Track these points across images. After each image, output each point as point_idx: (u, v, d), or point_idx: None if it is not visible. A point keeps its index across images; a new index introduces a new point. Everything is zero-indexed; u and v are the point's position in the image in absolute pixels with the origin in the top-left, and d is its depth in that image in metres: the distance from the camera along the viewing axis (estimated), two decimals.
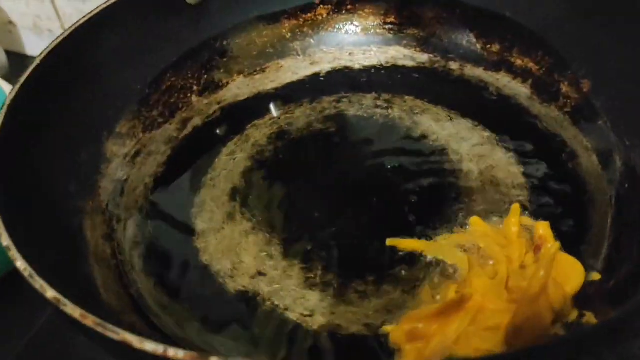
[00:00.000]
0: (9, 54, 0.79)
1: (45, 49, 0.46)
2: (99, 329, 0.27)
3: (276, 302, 0.42)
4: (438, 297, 0.39)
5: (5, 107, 0.42)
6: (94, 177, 0.48)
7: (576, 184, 0.47)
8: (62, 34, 0.48)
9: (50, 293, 0.30)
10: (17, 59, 0.81)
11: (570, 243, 0.42)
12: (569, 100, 0.52)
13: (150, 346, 0.27)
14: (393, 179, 0.50)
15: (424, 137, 0.54)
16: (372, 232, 0.46)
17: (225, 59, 0.60)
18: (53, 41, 0.47)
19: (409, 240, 0.43)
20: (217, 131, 0.56)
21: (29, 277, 0.31)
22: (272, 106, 0.58)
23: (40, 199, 0.41)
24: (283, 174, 0.52)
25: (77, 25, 0.49)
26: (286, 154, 0.54)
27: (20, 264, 0.31)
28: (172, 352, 0.26)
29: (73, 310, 0.28)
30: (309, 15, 0.63)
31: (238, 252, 0.46)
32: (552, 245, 0.39)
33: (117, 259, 0.44)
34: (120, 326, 0.38)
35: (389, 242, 0.43)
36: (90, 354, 0.47)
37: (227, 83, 0.60)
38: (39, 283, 0.30)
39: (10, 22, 0.81)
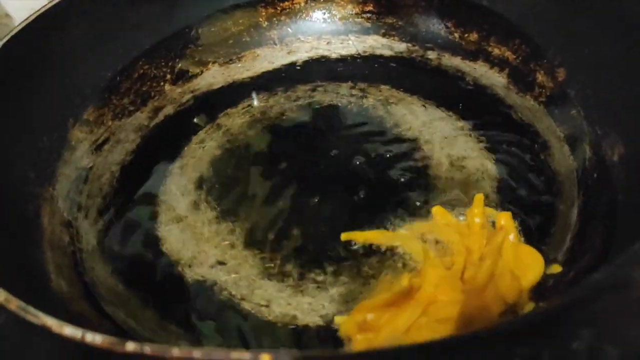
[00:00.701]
0: None
1: (9, 32, 0.46)
2: (21, 313, 0.27)
3: (233, 292, 0.41)
4: (392, 287, 0.38)
5: None
6: (56, 164, 0.47)
7: (546, 174, 0.46)
8: (28, 18, 0.48)
9: None
10: None
11: (535, 234, 0.41)
12: (544, 90, 0.51)
13: (68, 331, 0.26)
14: (361, 169, 0.49)
15: (396, 126, 0.53)
16: (336, 222, 0.45)
17: (199, 48, 0.60)
18: (18, 24, 0.47)
19: (365, 233, 0.42)
20: (195, 120, 0.56)
21: None
22: (246, 95, 0.58)
23: None
24: (253, 163, 0.51)
25: (43, 9, 0.49)
26: (256, 143, 0.53)
27: None
28: (89, 337, 0.25)
29: None
30: (286, 3, 0.62)
31: (199, 241, 0.45)
32: (500, 234, 0.38)
33: (74, 246, 0.44)
34: (68, 314, 0.38)
35: (344, 236, 0.42)
36: None
37: (202, 72, 0.59)
38: None
39: (7, 15, 0.81)
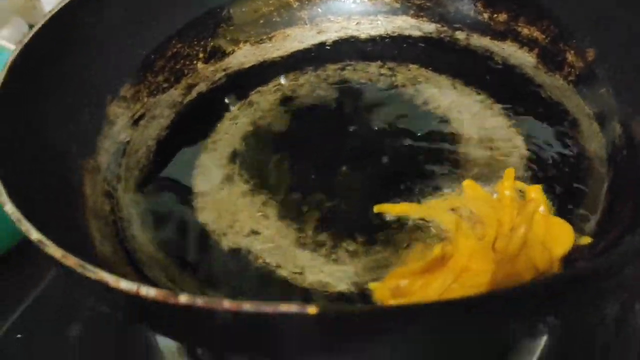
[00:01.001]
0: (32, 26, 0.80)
1: (49, 13, 0.48)
2: (79, 270, 0.28)
3: (268, 260, 0.43)
4: (424, 255, 0.39)
5: (7, 67, 0.43)
6: (96, 138, 0.49)
7: (576, 151, 0.47)
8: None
9: (35, 235, 0.31)
10: None
11: (564, 207, 0.42)
12: (573, 69, 0.51)
13: (125, 285, 0.27)
14: (392, 145, 0.50)
15: (425, 104, 0.53)
16: (367, 195, 0.46)
17: (231, 27, 0.61)
18: (57, 4, 0.48)
19: (397, 205, 0.43)
20: (226, 100, 0.57)
21: (16, 221, 0.32)
22: (277, 74, 0.59)
23: (41, 157, 0.43)
24: (284, 139, 0.52)
25: None
26: (288, 120, 0.54)
27: (9, 207, 0.32)
28: (144, 290, 0.27)
29: (55, 250, 0.30)
30: None
31: (234, 212, 0.46)
32: (531, 205, 0.38)
33: (115, 216, 0.45)
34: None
35: (377, 208, 0.43)
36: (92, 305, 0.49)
37: (233, 51, 0.60)
38: (25, 226, 0.31)
39: None
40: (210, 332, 0.28)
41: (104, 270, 0.28)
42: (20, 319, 0.52)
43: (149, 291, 0.27)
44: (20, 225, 0.31)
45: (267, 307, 0.26)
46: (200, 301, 0.26)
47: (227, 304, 0.26)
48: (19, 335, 0.51)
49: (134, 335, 0.49)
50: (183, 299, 0.27)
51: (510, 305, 0.25)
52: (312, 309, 0.25)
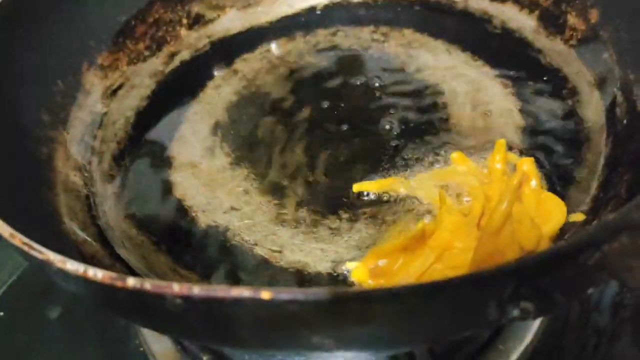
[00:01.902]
0: None
1: None
2: (25, 248, 0.27)
3: (246, 237, 0.41)
4: (406, 232, 0.37)
5: None
6: (70, 108, 0.47)
7: (574, 121, 0.44)
8: None
9: None
10: None
11: (559, 182, 0.39)
12: (575, 32, 0.48)
13: (71, 266, 0.26)
14: (381, 114, 0.47)
15: (418, 71, 0.51)
16: (353, 169, 0.44)
17: None
18: None
19: (377, 182, 0.41)
20: (210, 63, 0.54)
21: None
22: (264, 40, 0.56)
23: (7, 126, 0.41)
24: (269, 110, 0.50)
25: None
26: (274, 89, 0.52)
27: None
28: (91, 272, 0.25)
29: (2, 228, 0.28)
30: None
31: (214, 187, 0.44)
32: (516, 177, 0.36)
33: (88, 190, 0.43)
34: (80, 256, 0.38)
35: (356, 188, 0.41)
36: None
37: (218, 16, 0.58)
38: None
39: None
40: (163, 317, 0.27)
41: (50, 251, 0.26)
42: (1, 298, 0.51)
43: (96, 273, 0.25)
44: None
45: (219, 292, 0.24)
46: (148, 285, 0.25)
47: (176, 288, 0.24)
48: (1, 314, 0.51)
49: (114, 319, 0.47)
50: (131, 282, 0.25)
51: (479, 290, 0.23)
52: (265, 294, 0.23)
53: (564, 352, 0.41)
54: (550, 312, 0.30)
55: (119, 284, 0.25)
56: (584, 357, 0.41)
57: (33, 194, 0.39)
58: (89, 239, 0.39)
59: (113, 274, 0.25)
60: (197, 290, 0.24)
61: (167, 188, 0.44)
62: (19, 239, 0.27)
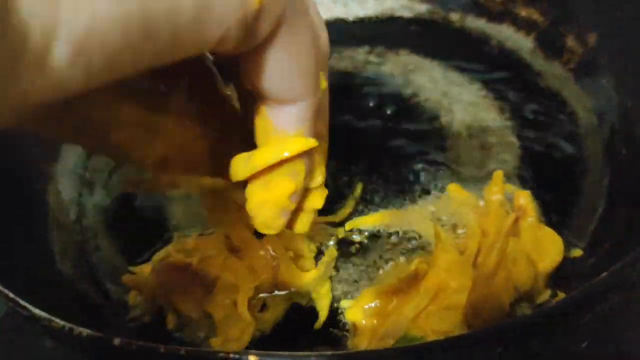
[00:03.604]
0: None
1: None
2: (10, 304, 0.26)
3: None
4: (401, 271, 0.36)
5: None
6: None
7: (573, 149, 0.43)
8: None
9: None
10: None
11: (557, 215, 0.39)
12: (573, 56, 0.48)
13: (58, 324, 0.25)
14: (376, 142, 0.47)
15: (415, 95, 0.50)
16: (346, 198, 0.43)
17: None
18: None
19: (371, 217, 0.40)
20: None
21: None
22: None
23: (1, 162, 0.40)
24: None
25: None
26: None
27: None
28: (76, 331, 0.25)
29: None
30: None
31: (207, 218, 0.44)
32: (511, 216, 0.35)
33: (80, 225, 0.43)
34: (74, 295, 0.37)
35: (348, 225, 0.40)
36: None
37: None
38: None
39: None
40: None
41: (35, 308, 0.26)
42: None
43: (81, 332, 0.25)
44: None
45: (207, 354, 0.24)
46: (134, 345, 0.24)
47: (162, 349, 0.24)
48: None
49: None
50: (117, 341, 0.24)
51: (469, 351, 0.23)
52: (252, 358, 0.23)
53: None
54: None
55: (104, 343, 0.24)
56: None
57: (26, 232, 0.39)
58: (81, 276, 0.39)
59: (97, 334, 0.25)
60: (183, 351, 0.24)
61: (161, 220, 0.44)
62: (5, 294, 0.27)
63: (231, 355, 0.23)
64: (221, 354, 0.23)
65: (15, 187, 0.41)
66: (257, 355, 0.23)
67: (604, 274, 0.22)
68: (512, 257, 0.34)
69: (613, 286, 0.22)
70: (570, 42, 0.48)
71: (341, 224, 0.41)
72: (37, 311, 0.26)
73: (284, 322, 0.36)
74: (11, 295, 0.27)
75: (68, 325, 0.25)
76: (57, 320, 0.25)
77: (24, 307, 0.26)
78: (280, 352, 0.25)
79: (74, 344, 0.27)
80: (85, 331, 0.25)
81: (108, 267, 0.41)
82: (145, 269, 0.37)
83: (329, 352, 0.29)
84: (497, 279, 0.32)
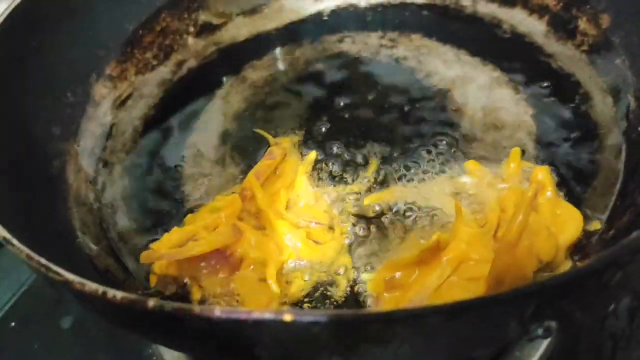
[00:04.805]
0: None
1: None
2: (42, 270, 0.26)
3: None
4: (421, 243, 0.36)
5: None
6: (80, 120, 0.46)
7: (587, 127, 0.43)
8: None
9: (2, 232, 0.29)
10: None
11: (576, 189, 0.39)
12: (586, 38, 0.48)
13: (90, 288, 0.25)
14: (392, 123, 0.47)
15: (428, 77, 0.50)
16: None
17: None
18: None
19: (387, 191, 0.40)
20: (214, 73, 0.54)
21: None
22: (271, 47, 0.56)
23: (20, 140, 0.41)
24: (277, 117, 0.49)
25: None
26: (282, 96, 0.51)
27: None
28: (110, 294, 0.25)
29: (20, 250, 0.28)
30: None
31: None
32: (531, 188, 0.36)
33: (99, 203, 0.43)
34: (94, 270, 0.38)
35: (367, 200, 0.40)
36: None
37: (226, 23, 0.57)
38: None
39: None
40: (183, 338, 0.27)
41: (68, 272, 0.26)
42: (13, 307, 0.51)
43: (115, 295, 0.25)
44: None
45: (240, 314, 0.24)
46: (168, 307, 0.24)
47: (197, 309, 0.24)
48: (12, 324, 0.50)
49: None
50: (151, 303, 0.25)
51: (503, 310, 0.23)
52: (287, 316, 0.23)
53: (581, 356, 0.41)
54: (571, 330, 0.30)
55: (139, 305, 0.25)
56: None
57: (47, 209, 0.39)
58: (102, 252, 0.39)
59: (132, 296, 0.25)
60: (218, 312, 0.24)
61: (178, 199, 0.44)
62: (36, 261, 0.27)
63: (266, 315, 0.23)
64: (256, 314, 0.23)
65: (35, 166, 0.41)
66: (292, 313, 0.23)
67: (635, 233, 0.22)
68: (533, 229, 0.34)
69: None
70: (583, 24, 0.48)
71: (359, 199, 0.41)
72: (70, 275, 0.26)
73: (306, 297, 0.37)
74: (43, 261, 0.27)
75: (102, 288, 0.25)
76: (91, 283, 0.26)
77: (57, 273, 0.26)
78: (314, 310, 0.25)
79: (107, 308, 0.27)
80: (119, 294, 0.25)
81: (128, 243, 0.41)
82: (165, 242, 0.38)
83: (367, 310, 0.29)
84: (520, 249, 0.32)
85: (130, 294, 0.25)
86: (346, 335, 0.24)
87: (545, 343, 0.42)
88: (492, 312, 0.23)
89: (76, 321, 0.50)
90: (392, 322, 0.23)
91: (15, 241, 0.28)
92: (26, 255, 0.27)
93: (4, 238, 0.28)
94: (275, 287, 0.35)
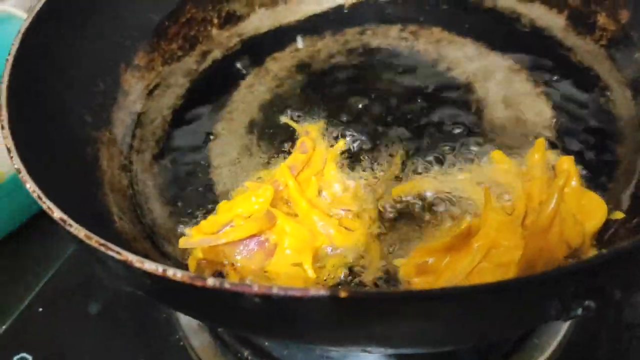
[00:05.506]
0: None
1: None
2: (102, 249, 0.28)
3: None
4: (451, 230, 0.38)
5: (19, 36, 0.41)
6: (111, 108, 0.47)
7: (607, 119, 0.45)
8: None
9: (57, 213, 0.30)
10: None
11: (598, 180, 0.41)
12: (605, 32, 0.49)
13: (149, 266, 0.27)
14: (416, 114, 0.48)
15: (449, 69, 0.52)
16: (392, 166, 0.44)
17: None
18: None
19: (416, 182, 0.42)
20: (238, 65, 0.55)
21: (37, 198, 0.31)
22: (293, 39, 0.57)
23: (55, 128, 0.42)
24: (302, 107, 0.50)
25: None
26: (306, 87, 0.52)
27: (29, 185, 0.31)
28: (170, 272, 0.26)
29: (77, 230, 0.29)
30: None
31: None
32: (561, 177, 0.37)
33: (132, 189, 0.44)
34: (135, 253, 0.39)
35: (395, 192, 0.42)
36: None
37: (248, 15, 0.58)
38: (47, 204, 0.30)
39: None
40: (236, 315, 0.28)
41: (127, 251, 0.27)
42: (42, 292, 0.52)
43: (175, 273, 0.26)
44: (42, 203, 0.31)
45: (296, 292, 0.25)
46: (228, 285, 0.26)
47: (256, 287, 0.25)
48: (40, 309, 0.52)
49: (154, 313, 0.48)
50: (211, 282, 0.26)
51: (541, 289, 0.24)
52: (343, 293, 0.24)
53: (598, 345, 0.43)
54: (609, 307, 0.31)
55: (198, 283, 0.26)
56: (618, 350, 0.42)
57: (86, 195, 0.40)
58: (139, 236, 0.40)
59: (192, 274, 0.26)
60: (276, 289, 0.25)
61: (207, 185, 0.45)
62: (95, 241, 0.28)
63: (322, 292, 0.25)
64: (312, 291, 0.25)
65: (71, 153, 0.42)
66: (347, 291, 0.24)
67: None
68: (561, 217, 0.35)
69: None
70: (602, 19, 0.49)
71: (388, 187, 0.42)
72: (129, 255, 0.27)
73: (339, 283, 0.38)
74: (102, 240, 0.28)
75: (162, 266, 0.26)
76: (150, 262, 0.27)
77: (117, 252, 0.27)
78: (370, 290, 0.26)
79: (164, 287, 0.28)
80: (179, 272, 0.26)
81: (162, 228, 0.42)
82: (202, 228, 0.39)
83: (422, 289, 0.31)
84: (551, 234, 0.33)
85: (186, 271, 0.26)
86: (399, 311, 0.25)
87: (562, 331, 0.44)
88: (536, 291, 0.25)
89: (104, 307, 0.51)
90: (444, 299, 0.24)
91: (72, 221, 0.29)
92: (85, 235, 0.29)
93: (62, 219, 0.29)
94: (311, 272, 0.36)
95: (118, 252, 0.27)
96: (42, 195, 0.31)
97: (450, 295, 0.25)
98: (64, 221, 0.29)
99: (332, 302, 0.25)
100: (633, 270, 0.24)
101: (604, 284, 0.25)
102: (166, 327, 0.49)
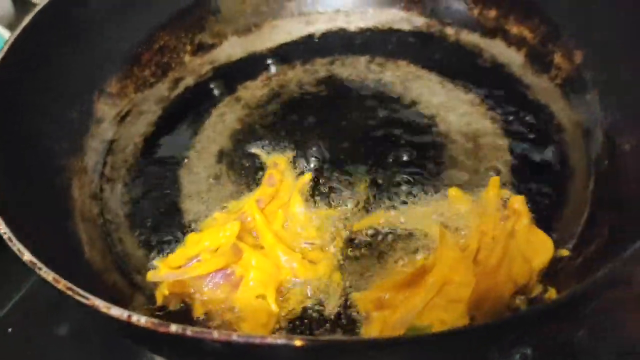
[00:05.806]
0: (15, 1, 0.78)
1: (33, 10, 0.47)
2: (69, 293, 0.29)
3: None
4: (407, 266, 0.40)
5: None
6: (83, 136, 0.49)
7: (560, 158, 0.47)
8: None
9: (27, 256, 0.31)
10: (24, 7, 0.80)
11: (547, 217, 0.43)
12: (560, 72, 0.52)
13: (115, 312, 0.28)
14: (380, 147, 0.50)
15: (414, 103, 0.54)
16: (351, 197, 0.46)
17: (219, 18, 0.60)
18: (40, 3, 0.47)
19: (375, 216, 0.44)
20: (210, 91, 0.57)
21: (7, 240, 0.32)
22: (265, 67, 0.59)
23: (26, 157, 0.43)
24: (271, 138, 0.52)
25: None
26: (275, 117, 0.54)
27: (1, 227, 0.32)
28: (135, 318, 0.28)
29: (46, 274, 0.30)
30: None
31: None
32: (512, 218, 0.39)
33: (103, 218, 0.45)
34: (102, 285, 0.40)
35: (356, 227, 0.43)
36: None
37: (220, 42, 0.60)
38: (17, 246, 0.31)
39: None
40: (201, 356, 0.29)
41: (96, 284, 0.29)
42: (10, 312, 0.53)
43: (139, 319, 0.28)
44: (12, 246, 0.32)
45: (255, 339, 0.27)
46: (190, 331, 0.27)
47: (216, 334, 0.27)
48: (10, 329, 0.52)
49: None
50: (173, 328, 0.27)
51: (485, 337, 0.26)
52: (298, 342, 0.26)
53: None
54: (547, 355, 0.33)
55: (162, 329, 0.27)
56: None
57: (56, 225, 0.41)
58: (108, 268, 0.42)
59: (155, 321, 0.27)
60: (235, 336, 0.27)
61: (178, 215, 0.47)
62: (63, 284, 0.29)
63: (278, 340, 0.26)
64: (270, 339, 0.26)
65: (41, 182, 0.43)
66: (303, 340, 0.26)
67: (604, 269, 0.26)
68: (510, 255, 0.38)
69: (609, 283, 0.25)
70: (558, 58, 0.52)
71: (350, 220, 0.44)
72: (97, 300, 0.29)
73: (299, 315, 0.40)
74: (70, 285, 0.29)
75: (126, 312, 0.28)
76: (116, 308, 0.28)
77: (84, 296, 0.29)
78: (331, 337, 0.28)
79: (130, 330, 0.29)
80: (143, 318, 0.28)
81: (132, 259, 0.43)
82: (170, 261, 0.40)
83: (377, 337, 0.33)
84: (499, 274, 0.36)
85: (150, 317, 0.28)
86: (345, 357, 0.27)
87: None
88: (476, 339, 0.27)
89: (73, 328, 0.52)
90: (383, 347, 0.26)
91: (42, 265, 0.30)
92: (52, 278, 0.30)
93: (31, 262, 0.31)
94: (274, 307, 0.38)
95: (86, 297, 0.28)
96: (12, 237, 0.32)
97: (395, 343, 0.26)
98: (34, 264, 0.30)
99: (288, 349, 0.26)
100: (570, 320, 0.26)
101: (542, 332, 0.27)
102: (135, 350, 0.50)
